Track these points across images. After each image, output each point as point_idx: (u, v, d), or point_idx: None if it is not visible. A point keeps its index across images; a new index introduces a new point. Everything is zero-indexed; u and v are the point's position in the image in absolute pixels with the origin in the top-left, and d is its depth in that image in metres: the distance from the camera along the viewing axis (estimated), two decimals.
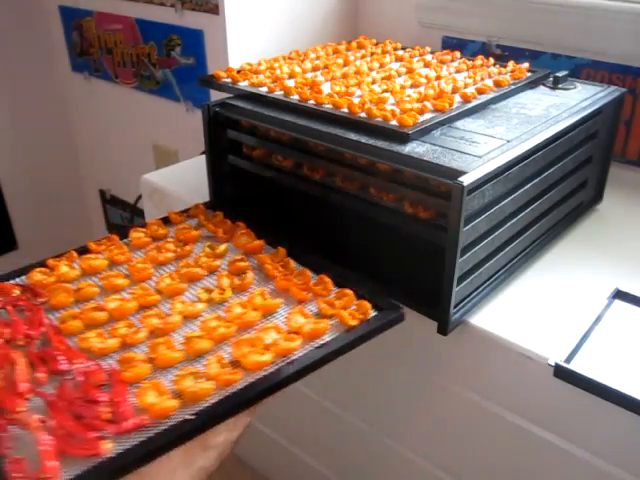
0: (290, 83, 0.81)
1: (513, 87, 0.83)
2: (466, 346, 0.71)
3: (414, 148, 0.66)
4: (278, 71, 0.86)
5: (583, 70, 1.03)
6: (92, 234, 1.87)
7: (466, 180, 0.59)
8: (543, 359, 0.62)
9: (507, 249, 0.73)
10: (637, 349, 0.63)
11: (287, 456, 1.12)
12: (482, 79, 0.85)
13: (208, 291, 0.68)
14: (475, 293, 0.70)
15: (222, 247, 0.75)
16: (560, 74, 0.87)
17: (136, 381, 0.54)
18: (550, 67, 0.95)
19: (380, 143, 0.67)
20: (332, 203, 0.78)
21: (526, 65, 0.92)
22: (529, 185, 0.72)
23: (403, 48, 1.03)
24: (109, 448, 0.47)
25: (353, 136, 0.69)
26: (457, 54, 0.97)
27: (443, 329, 0.67)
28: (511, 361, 0.66)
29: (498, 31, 1.11)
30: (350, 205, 0.77)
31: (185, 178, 1.05)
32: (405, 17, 1.22)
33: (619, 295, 0.71)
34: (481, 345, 0.69)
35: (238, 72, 0.87)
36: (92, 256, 0.75)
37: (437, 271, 0.66)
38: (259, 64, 0.91)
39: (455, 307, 0.67)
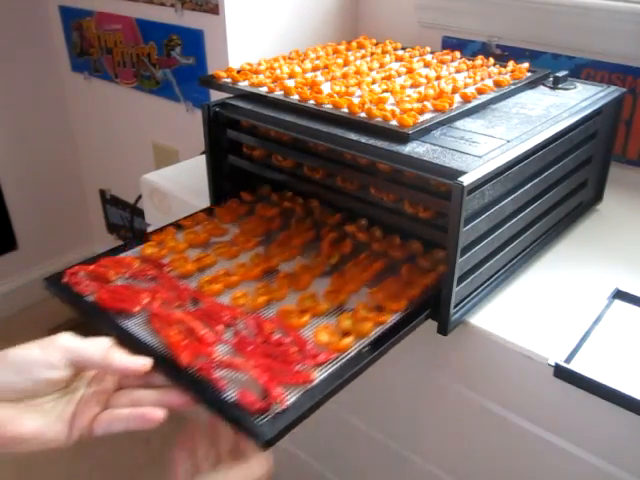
0: (290, 83, 0.81)
1: (513, 87, 0.83)
2: (466, 346, 0.71)
3: (414, 148, 0.66)
4: (278, 71, 0.86)
5: (583, 70, 1.03)
6: (92, 234, 1.87)
7: (466, 180, 0.59)
8: (543, 359, 0.62)
9: (507, 249, 0.73)
10: (637, 349, 0.64)
11: (287, 456, 1.12)
12: (482, 79, 0.85)
13: (318, 255, 0.76)
14: (475, 293, 0.70)
15: (307, 220, 0.83)
16: (560, 74, 0.87)
17: (300, 327, 0.62)
18: (550, 67, 0.95)
19: (380, 143, 0.67)
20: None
21: (526, 65, 0.92)
22: (529, 185, 0.72)
23: (403, 48, 1.03)
24: (317, 376, 0.55)
25: (353, 136, 0.69)
26: (457, 54, 0.97)
27: (443, 329, 0.67)
28: (511, 361, 0.66)
29: (498, 31, 1.11)
30: (350, 205, 0.77)
31: (185, 178, 1.05)
32: (405, 17, 1.22)
33: (619, 295, 0.71)
34: (481, 345, 0.69)
35: (238, 72, 0.87)
36: (192, 230, 0.81)
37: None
38: (259, 64, 0.91)
39: (455, 307, 0.67)
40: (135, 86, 1.42)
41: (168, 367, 0.55)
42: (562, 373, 0.60)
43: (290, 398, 0.53)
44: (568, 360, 0.61)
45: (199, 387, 0.54)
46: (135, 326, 0.62)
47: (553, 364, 0.61)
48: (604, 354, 0.63)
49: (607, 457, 0.64)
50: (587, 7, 0.98)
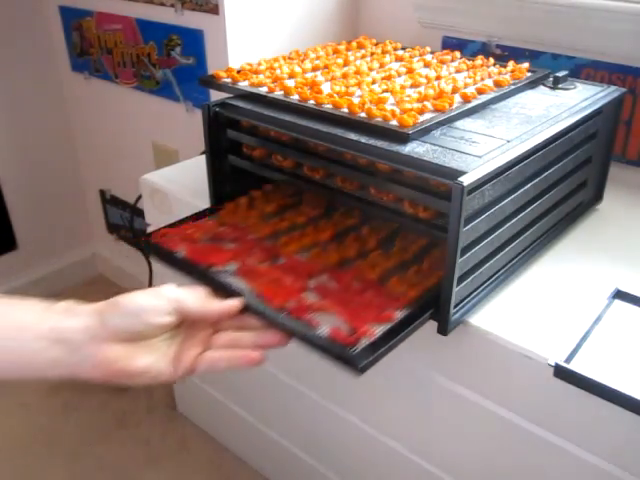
0: (290, 83, 0.81)
1: (513, 87, 0.83)
2: (466, 346, 0.71)
3: (414, 148, 0.66)
4: (278, 71, 0.86)
5: (583, 70, 1.03)
6: (92, 234, 1.87)
7: (466, 180, 0.59)
8: (543, 359, 0.62)
9: (507, 249, 0.73)
10: (637, 349, 0.64)
11: (287, 456, 1.12)
12: (482, 79, 0.85)
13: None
14: (475, 293, 0.70)
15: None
16: (560, 74, 0.87)
17: (376, 278, 0.70)
18: (550, 67, 0.95)
19: (380, 143, 0.67)
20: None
21: (526, 65, 0.92)
22: (529, 185, 0.72)
23: (403, 48, 1.03)
24: (397, 316, 0.64)
25: (353, 136, 0.69)
26: (457, 54, 0.97)
27: (443, 329, 0.67)
28: (511, 361, 0.66)
29: (498, 31, 1.11)
30: (350, 205, 0.77)
31: (185, 178, 1.05)
32: (405, 17, 1.22)
33: (619, 295, 0.71)
34: (481, 345, 0.69)
35: (238, 72, 0.87)
36: (262, 201, 0.88)
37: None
38: (259, 64, 0.91)
39: (455, 307, 0.67)
40: (135, 86, 1.42)
41: (261, 311, 0.62)
42: (562, 373, 0.60)
43: (377, 333, 0.61)
44: (568, 360, 0.61)
45: (292, 326, 0.61)
46: (226, 277, 0.69)
47: (553, 364, 0.61)
48: (604, 354, 0.63)
49: (607, 457, 0.64)
50: (587, 7, 0.98)
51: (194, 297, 0.57)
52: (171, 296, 0.55)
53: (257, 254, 0.74)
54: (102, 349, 0.53)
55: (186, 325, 0.58)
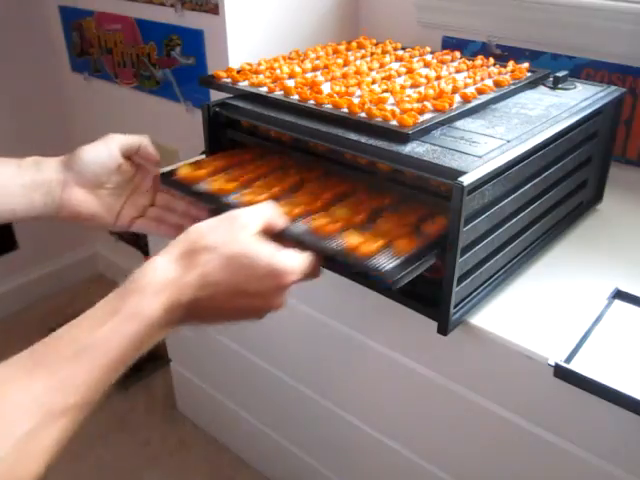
0: (290, 83, 0.81)
1: (513, 87, 0.83)
2: (466, 346, 0.71)
3: (414, 148, 0.66)
4: (278, 71, 0.86)
5: (583, 70, 1.03)
6: (92, 234, 1.87)
7: (466, 180, 0.59)
8: (543, 359, 0.63)
9: (507, 249, 0.73)
10: (637, 349, 0.64)
11: (287, 456, 1.12)
12: (482, 79, 0.85)
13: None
14: (475, 293, 0.70)
15: None
16: (560, 74, 0.87)
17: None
18: (550, 67, 0.95)
19: (380, 143, 0.67)
20: None
21: (526, 65, 0.92)
22: (529, 185, 0.72)
23: (403, 48, 1.03)
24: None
25: (353, 136, 0.69)
26: (457, 54, 0.97)
27: (443, 329, 0.67)
28: (511, 361, 0.66)
29: (498, 31, 1.11)
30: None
31: None
32: (405, 17, 1.22)
33: (619, 295, 0.71)
34: (481, 345, 0.69)
35: (238, 72, 0.87)
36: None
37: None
38: (259, 64, 0.91)
39: (455, 307, 0.67)
40: (135, 86, 1.42)
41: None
42: (562, 373, 0.60)
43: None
44: (568, 360, 0.61)
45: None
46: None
47: (553, 364, 0.61)
48: (604, 354, 0.63)
49: (607, 457, 0.65)
50: (587, 7, 0.98)
51: (138, 140, 0.73)
52: (119, 139, 0.71)
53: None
54: (73, 193, 0.67)
55: (130, 189, 0.71)
